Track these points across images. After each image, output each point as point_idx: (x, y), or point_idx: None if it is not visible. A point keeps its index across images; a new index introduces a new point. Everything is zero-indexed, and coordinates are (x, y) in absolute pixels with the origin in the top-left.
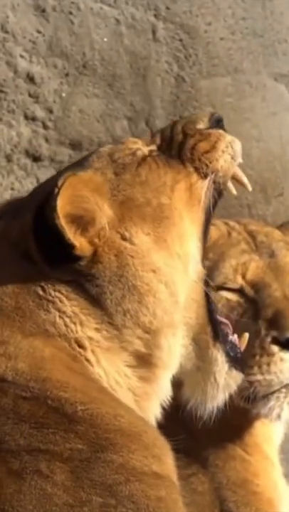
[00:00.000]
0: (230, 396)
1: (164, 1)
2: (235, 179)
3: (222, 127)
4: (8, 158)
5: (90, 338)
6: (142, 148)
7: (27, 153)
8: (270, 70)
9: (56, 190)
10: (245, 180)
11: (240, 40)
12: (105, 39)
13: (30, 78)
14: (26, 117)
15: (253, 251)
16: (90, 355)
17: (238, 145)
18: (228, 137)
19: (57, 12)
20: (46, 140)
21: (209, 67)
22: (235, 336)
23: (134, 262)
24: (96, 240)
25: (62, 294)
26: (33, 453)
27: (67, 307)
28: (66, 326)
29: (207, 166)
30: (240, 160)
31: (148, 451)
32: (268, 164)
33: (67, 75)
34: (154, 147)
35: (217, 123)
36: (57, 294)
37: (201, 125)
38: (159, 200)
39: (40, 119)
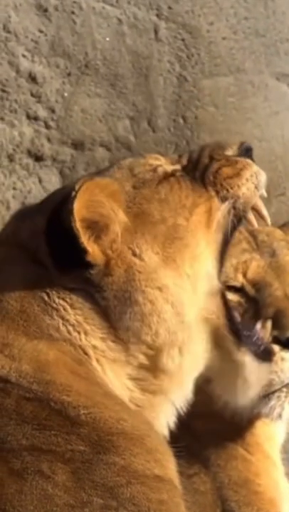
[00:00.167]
0: None
1: (166, 0)
2: (255, 210)
3: (250, 157)
4: (11, 158)
5: (95, 347)
6: (165, 166)
7: (29, 153)
8: (272, 69)
9: (73, 193)
10: (265, 212)
11: (242, 40)
12: (107, 39)
13: (33, 78)
14: (28, 117)
15: (254, 250)
16: (94, 363)
17: (263, 176)
18: (255, 167)
19: (59, 12)
20: (48, 140)
21: (211, 66)
22: (258, 325)
23: (141, 278)
24: (109, 252)
25: (66, 302)
26: (35, 453)
27: (70, 316)
28: (69, 333)
29: (228, 190)
30: (263, 192)
31: (150, 456)
32: (270, 164)
33: (69, 74)
34: (178, 167)
35: (246, 152)
36: (61, 301)
37: (230, 152)
38: (175, 220)
39: (43, 119)
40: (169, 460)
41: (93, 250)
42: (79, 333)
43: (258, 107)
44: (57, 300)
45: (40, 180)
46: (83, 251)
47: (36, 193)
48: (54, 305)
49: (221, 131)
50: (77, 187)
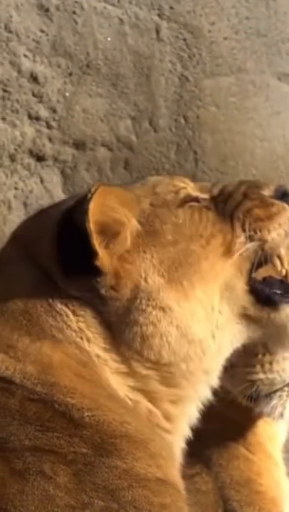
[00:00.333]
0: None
1: (168, 0)
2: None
3: (287, 201)
4: (12, 158)
5: (98, 356)
6: (190, 190)
7: (31, 153)
8: (273, 69)
9: (89, 194)
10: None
11: (243, 40)
12: (109, 38)
13: (34, 78)
14: (30, 117)
15: None
16: (98, 368)
17: None
18: None
19: (60, 11)
20: (50, 140)
21: (213, 66)
22: None
23: (143, 297)
24: (117, 263)
25: (68, 308)
26: (37, 454)
27: (72, 322)
28: (73, 337)
29: (256, 232)
30: None
31: (153, 460)
32: (272, 164)
33: (70, 74)
34: (207, 196)
35: (282, 196)
36: (63, 307)
37: (266, 192)
38: (188, 245)
39: (44, 119)
40: (173, 465)
41: (102, 255)
42: (82, 338)
43: (260, 107)
44: (59, 305)
45: (41, 180)
46: (93, 253)
47: (38, 193)
48: (57, 309)
49: (222, 131)
50: (93, 189)
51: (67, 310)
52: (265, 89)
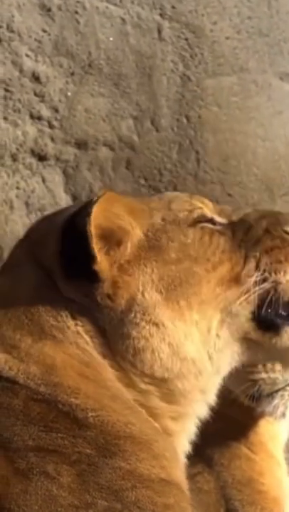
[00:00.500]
0: (235, 394)
1: (170, 0)
2: None
3: None
4: (14, 158)
5: (98, 359)
6: (208, 212)
7: (32, 153)
8: (275, 69)
9: (95, 198)
10: None
11: (245, 40)
12: (111, 38)
13: (36, 77)
14: (32, 116)
15: None
16: (101, 370)
17: None
18: None
19: (62, 11)
20: (52, 139)
21: (215, 66)
22: None
23: (137, 310)
24: (116, 273)
25: (67, 310)
26: (41, 454)
27: (71, 324)
28: (74, 337)
29: (270, 274)
30: None
31: (156, 461)
32: (274, 163)
33: (72, 74)
34: (224, 221)
35: None
36: (63, 309)
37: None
38: (191, 266)
39: (46, 118)
40: (177, 466)
41: (101, 261)
42: (82, 340)
43: (262, 107)
44: (59, 307)
45: (43, 180)
46: (92, 258)
47: (39, 193)
48: (57, 310)
49: (224, 131)
50: (100, 193)
51: (66, 312)
52: (267, 88)
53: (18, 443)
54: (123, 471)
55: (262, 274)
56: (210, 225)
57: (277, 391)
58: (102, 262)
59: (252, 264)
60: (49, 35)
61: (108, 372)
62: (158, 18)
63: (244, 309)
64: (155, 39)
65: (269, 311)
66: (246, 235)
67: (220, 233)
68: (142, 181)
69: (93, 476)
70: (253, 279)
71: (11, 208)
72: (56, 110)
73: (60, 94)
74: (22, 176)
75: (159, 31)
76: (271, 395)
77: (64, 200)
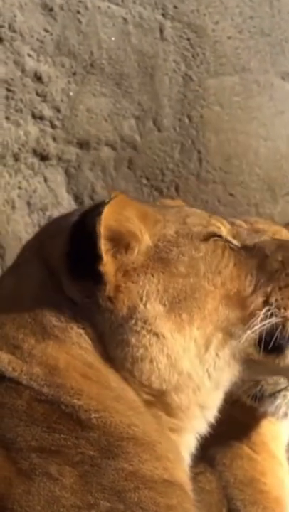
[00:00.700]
0: (237, 395)
1: (172, 0)
2: None
3: None
4: (16, 157)
5: (101, 360)
6: (224, 232)
7: (34, 152)
8: (277, 68)
9: (107, 199)
10: None
11: (247, 39)
12: (113, 38)
13: (38, 77)
14: (34, 116)
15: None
16: (104, 370)
17: None
18: None
19: (64, 11)
20: (54, 139)
21: (217, 66)
22: None
23: (138, 318)
24: (120, 277)
25: (70, 310)
26: (43, 455)
27: (74, 325)
28: (77, 338)
29: (280, 310)
30: None
31: (159, 462)
32: (276, 163)
33: (74, 74)
34: (238, 244)
35: None
36: (66, 309)
37: None
38: (199, 281)
39: (48, 118)
40: (180, 467)
41: (107, 262)
42: (84, 341)
43: (264, 107)
44: (62, 307)
45: (45, 180)
46: (98, 258)
47: (41, 193)
48: (60, 310)
49: (226, 131)
50: (112, 195)
51: (69, 313)
52: (269, 88)
53: (21, 443)
54: (126, 472)
55: (270, 309)
56: (222, 244)
57: (279, 391)
58: (108, 264)
59: (261, 295)
60: (51, 34)
61: (111, 372)
62: (160, 17)
63: (249, 336)
64: (157, 39)
65: (275, 341)
66: (260, 265)
67: (232, 250)
68: (144, 181)
69: (96, 477)
70: (262, 312)
71: (13, 207)
72: (58, 110)
73: (62, 94)
74: (24, 175)
75: (161, 31)
76: (273, 395)
77: (66, 200)
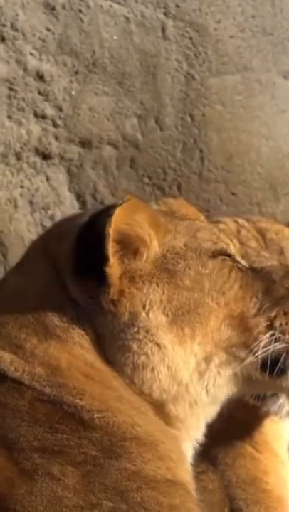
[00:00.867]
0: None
1: None
2: None
3: None
4: (18, 156)
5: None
6: (232, 250)
7: (37, 151)
8: (279, 67)
9: (120, 201)
10: None
11: (249, 38)
12: (115, 37)
13: (40, 76)
14: (36, 115)
15: (263, 248)
16: (106, 370)
17: None
18: None
19: (66, 10)
20: (56, 138)
21: (219, 65)
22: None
23: (141, 326)
24: (126, 283)
25: (74, 311)
26: (46, 456)
27: (76, 325)
28: (79, 338)
29: (284, 335)
30: None
31: (162, 462)
32: (278, 162)
33: (76, 72)
34: (246, 264)
35: None
36: (69, 309)
37: None
38: (203, 296)
39: (50, 117)
40: (183, 466)
41: (113, 264)
42: (86, 341)
43: (265, 105)
44: (66, 307)
45: (47, 179)
46: (105, 259)
47: (44, 192)
48: (63, 310)
49: (228, 130)
50: (125, 198)
51: (72, 313)
52: (271, 87)
53: (23, 444)
54: (128, 472)
55: (275, 333)
56: (230, 260)
57: None
58: (114, 266)
59: (264, 319)
60: (53, 33)
61: (112, 373)
62: (162, 16)
63: (252, 360)
64: (159, 38)
65: (277, 365)
66: (266, 289)
67: (240, 270)
68: (146, 180)
69: (98, 477)
70: (265, 336)
71: (15, 206)
72: (60, 109)
73: (64, 93)
74: (26, 174)
75: (163, 30)
76: (276, 394)
77: (68, 199)
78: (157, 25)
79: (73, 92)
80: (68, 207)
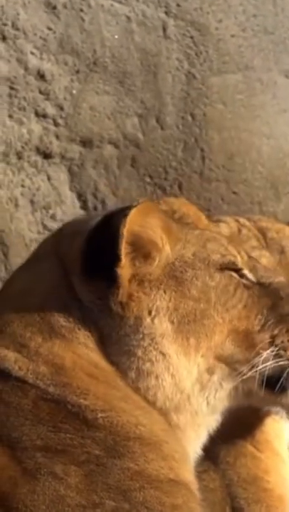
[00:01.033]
0: None
1: None
2: None
3: None
4: (19, 156)
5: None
6: (239, 263)
7: (38, 151)
8: (280, 67)
9: (135, 203)
10: None
11: (251, 38)
12: (116, 36)
13: (41, 75)
14: (37, 114)
15: (264, 247)
16: (110, 370)
17: None
18: None
19: (67, 9)
20: (57, 137)
21: (220, 64)
22: None
23: (146, 333)
24: (135, 286)
25: (80, 311)
26: (48, 455)
27: (82, 325)
28: (84, 339)
29: (286, 352)
30: None
31: (165, 462)
32: (279, 161)
33: (77, 72)
34: (253, 278)
35: None
36: (76, 309)
37: None
38: (209, 308)
39: (51, 116)
40: (186, 466)
41: (124, 265)
42: (91, 341)
43: (267, 105)
44: (72, 307)
45: (48, 178)
46: (117, 259)
47: (45, 191)
48: (70, 310)
49: (229, 129)
50: (140, 200)
51: (78, 313)
52: (272, 86)
53: (26, 443)
54: (131, 472)
55: (278, 350)
56: (238, 277)
57: None
58: (125, 267)
59: (268, 335)
60: (54, 33)
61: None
62: (163, 16)
63: (253, 375)
64: (160, 37)
65: (279, 381)
66: (272, 306)
67: (246, 287)
68: (147, 179)
69: (101, 477)
70: (266, 352)
71: (16, 205)
72: (61, 108)
73: (65, 92)
74: (27, 173)
75: (164, 29)
76: None
77: (69, 198)
78: (158, 25)
79: (74, 91)
80: (69, 206)
